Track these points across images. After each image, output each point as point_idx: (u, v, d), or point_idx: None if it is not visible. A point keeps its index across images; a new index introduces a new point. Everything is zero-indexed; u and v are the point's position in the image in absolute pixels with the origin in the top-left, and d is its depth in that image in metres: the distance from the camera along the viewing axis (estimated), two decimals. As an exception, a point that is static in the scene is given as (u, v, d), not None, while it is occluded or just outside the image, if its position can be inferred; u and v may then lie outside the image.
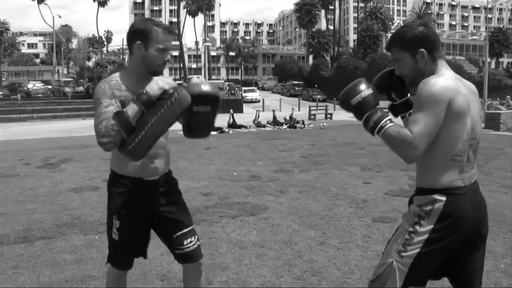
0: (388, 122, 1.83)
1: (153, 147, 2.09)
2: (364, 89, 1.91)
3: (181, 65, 64.50)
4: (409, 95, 2.11)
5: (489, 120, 18.58)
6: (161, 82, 2.14)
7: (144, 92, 2.03)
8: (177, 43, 59.29)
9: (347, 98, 1.92)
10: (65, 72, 58.55)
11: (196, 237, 2.42)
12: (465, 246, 1.91)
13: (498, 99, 35.84)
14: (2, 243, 4.25)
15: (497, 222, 4.75)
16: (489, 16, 78.44)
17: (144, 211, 2.30)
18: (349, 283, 3.34)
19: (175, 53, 65.91)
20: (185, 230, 2.36)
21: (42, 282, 3.40)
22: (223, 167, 8.52)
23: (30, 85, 36.75)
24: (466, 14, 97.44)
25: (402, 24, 65.73)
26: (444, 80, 1.83)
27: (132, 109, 2.00)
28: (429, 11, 69.20)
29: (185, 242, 2.34)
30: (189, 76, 53.92)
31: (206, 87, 2.13)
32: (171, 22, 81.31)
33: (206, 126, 2.28)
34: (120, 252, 2.34)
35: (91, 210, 5.41)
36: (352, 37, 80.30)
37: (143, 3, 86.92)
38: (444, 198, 1.83)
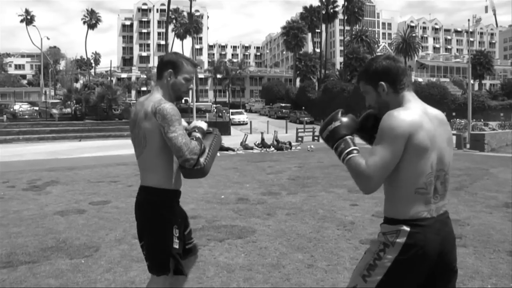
0: (351, 152, 1.88)
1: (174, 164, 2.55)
2: (332, 123, 2.00)
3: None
4: None
5: (473, 141, 18.88)
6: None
7: (200, 126, 2.60)
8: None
9: (320, 133, 2.08)
10: (52, 93, 58.25)
11: None
12: (435, 280, 1.90)
13: (482, 120, 36.50)
14: (-15, 268, 4.16)
15: (482, 242, 4.81)
16: (471, 39, 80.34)
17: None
18: (337, 306, 3.33)
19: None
20: (190, 227, 2.80)
21: (26, 308, 3.33)
22: (211, 190, 8.50)
23: (16, 106, 36.46)
24: (449, 37, 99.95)
25: (387, 46, 66.55)
26: (406, 114, 1.85)
27: (201, 137, 2.54)
28: (414, 34, 70.67)
29: (191, 236, 2.80)
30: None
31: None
32: (159, 45, 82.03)
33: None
34: (181, 258, 2.58)
35: (77, 234, 5.34)
36: (339, 59, 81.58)
37: (131, 25, 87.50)
38: (408, 229, 1.84)
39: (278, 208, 6.82)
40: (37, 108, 37.94)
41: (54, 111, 35.27)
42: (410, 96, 1.97)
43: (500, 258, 4.35)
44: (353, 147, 1.90)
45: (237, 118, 41.80)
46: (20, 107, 36.62)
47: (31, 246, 4.82)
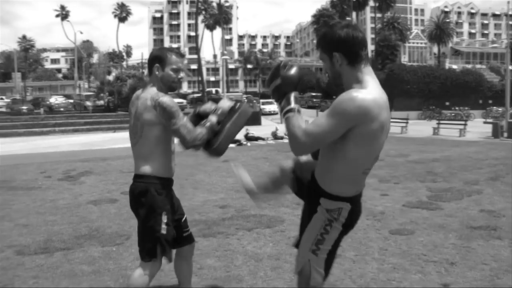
0: (290, 111, 1.95)
1: (171, 153, 2.69)
2: (274, 80, 2.06)
3: (200, 78, 65.10)
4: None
5: (511, 129, 18.20)
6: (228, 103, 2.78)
7: (221, 107, 2.71)
8: (196, 56, 59.99)
9: (267, 87, 2.15)
10: (86, 86, 59.73)
11: None
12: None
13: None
14: (24, 253, 4.34)
15: (518, 234, 4.65)
16: (510, 22, 77.06)
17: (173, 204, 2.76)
18: (365, 296, 3.30)
19: (194, 66, 66.63)
20: (185, 216, 2.92)
21: (61, 293, 3.45)
22: (240, 179, 8.52)
23: (52, 99, 37.68)
24: (486, 21, 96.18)
25: (420, 33, 64.33)
26: (364, 98, 1.83)
27: (214, 120, 2.67)
28: (448, 20, 68.44)
29: (187, 225, 2.92)
30: (209, 90, 54.34)
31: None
32: (189, 36, 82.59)
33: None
34: (168, 244, 2.66)
35: (109, 222, 5.49)
36: (370, 47, 79.93)
37: (161, 18, 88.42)
38: (350, 206, 2.06)
39: (307, 198, 6.77)
40: (72, 100, 39.08)
41: (88, 103, 36.25)
42: (367, 74, 1.94)
43: (536, 250, 4.21)
44: (292, 106, 1.96)
45: (267, 108, 41.59)
46: (56, 100, 37.85)
47: (66, 234, 5.00)
